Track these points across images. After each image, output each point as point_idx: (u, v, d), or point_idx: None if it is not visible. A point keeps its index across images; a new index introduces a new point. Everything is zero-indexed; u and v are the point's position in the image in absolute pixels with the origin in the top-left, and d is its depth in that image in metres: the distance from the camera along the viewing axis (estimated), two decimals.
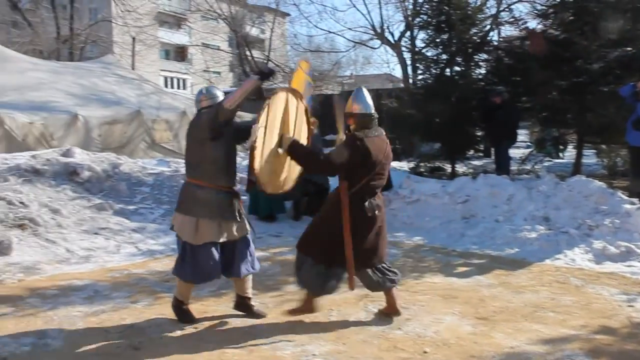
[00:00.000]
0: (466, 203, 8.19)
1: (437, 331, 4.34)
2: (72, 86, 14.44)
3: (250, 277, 4.63)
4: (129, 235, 7.40)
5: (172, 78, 46.34)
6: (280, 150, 4.33)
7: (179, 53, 47.27)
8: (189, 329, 4.38)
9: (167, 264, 6.39)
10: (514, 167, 10.86)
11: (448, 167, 11.18)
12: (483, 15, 11.77)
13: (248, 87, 4.24)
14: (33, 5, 27.05)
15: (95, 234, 7.33)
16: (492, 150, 11.34)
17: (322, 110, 14.48)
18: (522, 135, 13.52)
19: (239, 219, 4.42)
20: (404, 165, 12.21)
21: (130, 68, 21.80)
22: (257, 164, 4.10)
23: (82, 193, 8.36)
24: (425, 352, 3.96)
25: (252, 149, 4.10)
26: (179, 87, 45.02)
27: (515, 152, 11.87)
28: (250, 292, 4.67)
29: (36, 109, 12.45)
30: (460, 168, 11.25)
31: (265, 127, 4.16)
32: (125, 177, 9.18)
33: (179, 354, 3.93)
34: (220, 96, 4.49)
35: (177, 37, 45.25)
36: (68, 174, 8.73)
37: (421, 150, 12.68)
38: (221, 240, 4.35)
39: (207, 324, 4.50)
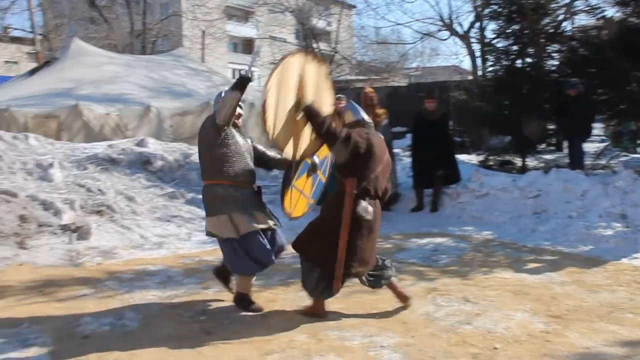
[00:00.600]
0: (537, 198, 7.98)
1: (508, 327, 4.25)
2: (145, 79, 14.92)
3: None
4: (199, 223, 7.58)
5: (239, 70, 47.06)
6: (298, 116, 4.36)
7: (247, 46, 47.98)
8: (259, 317, 4.46)
9: None
10: (587, 161, 10.47)
11: (518, 161, 10.89)
12: (556, 4, 11.37)
13: (230, 101, 4.31)
14: (109, 1, 28.08)
15: (168, 221, 7.58)
16: (565, 144, 10.97)
17: (389, 103, 14.46)
18: (596, 128, 13.00)
19: (266, 212, 4.56)
20: (473, 158, 11.97)
21: (200, 61, 22.28)
22: (269, 123, 4.11)
23: (155, 182, 8.65)
24: (495, 348, 3.89)
25: (263, 110, 4.12)
26: None
27: (589, 147, 11.44)
28: None
29: (111, 101, 12.95)
30: (530, 162, 10.93)
31: (278, 89, 4.15)
32: (196, 166, 9.37)
33: (249, 340, 4.02)
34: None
35: (245, 30, 45.91)
36: (142, 163, 9.05)
37: (490, 144, 12.41)
38: (260, 226, 4.42)
39: (276, 312, 4.57)
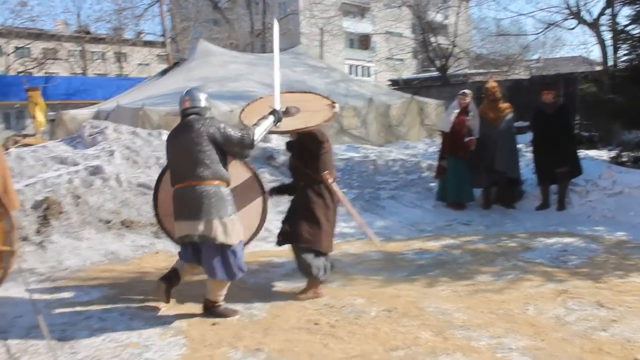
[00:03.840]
0: None
1: None
2: (266, 76, 15.40)
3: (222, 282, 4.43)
4: None
5: (356, 66, 47.55)
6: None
7: (363, 42, 48.26)
8: (384, 312, 4.47)
9: (359, 247, 6.63)
10: None
11: None
12: None
13: (268, 127, 4.80)
14: (231, 3, 29.33)
15: None
16: None
17: (511, 96, 13.92)
18: None
19: (199, 217, 4.23)
20: (603, 154, 11.26)
21: (319, 57, 22.70)
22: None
23: (278, 176, 8.88)
24: (636, 359, 3.65)
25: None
26: (363, 75, 46.07)
27: None
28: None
29: (235, 98, 13.51)
30: None
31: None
32: None
33: (374, 334, 4.05)
34: (203, 100, 4.65)
35: (361, 26, 46.19)
36: (266, 158, 9.35)
37: (623, 139, 11.60)
38: (177, 235, 4.44)
39: (400, 308, 4.56)
